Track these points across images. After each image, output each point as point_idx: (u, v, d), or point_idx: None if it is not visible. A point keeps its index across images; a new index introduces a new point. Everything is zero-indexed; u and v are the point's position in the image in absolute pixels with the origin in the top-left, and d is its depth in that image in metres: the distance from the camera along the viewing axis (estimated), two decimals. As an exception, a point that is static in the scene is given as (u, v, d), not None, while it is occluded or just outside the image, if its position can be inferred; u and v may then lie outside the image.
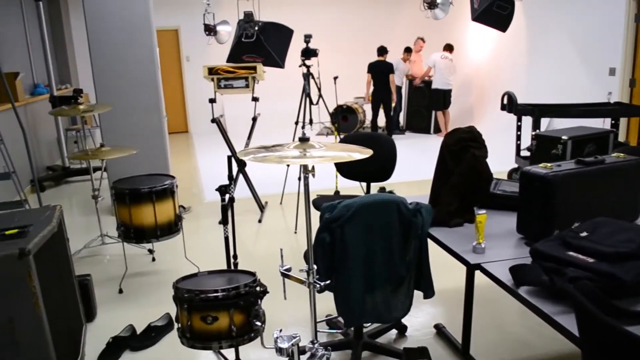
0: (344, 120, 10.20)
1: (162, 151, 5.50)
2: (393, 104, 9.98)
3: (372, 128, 9.73)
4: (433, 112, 10.21)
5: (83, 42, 10.88)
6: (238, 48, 6.98)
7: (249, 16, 6.65)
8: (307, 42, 5.05)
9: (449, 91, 9.90)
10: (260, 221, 5.19)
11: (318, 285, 1.99)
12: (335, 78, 8.87)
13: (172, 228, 3.73)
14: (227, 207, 2.46)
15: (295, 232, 4.84)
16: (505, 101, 6.46)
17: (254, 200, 5.53)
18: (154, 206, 3.57)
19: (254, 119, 5.15)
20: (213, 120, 4.99)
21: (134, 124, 5.37)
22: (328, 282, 2.05)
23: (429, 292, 2.49)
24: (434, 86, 9.88)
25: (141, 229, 3.61)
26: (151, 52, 5.28)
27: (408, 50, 10.40)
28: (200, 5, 11.27)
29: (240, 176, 5.40)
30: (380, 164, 3.82)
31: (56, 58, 9.98)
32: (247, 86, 4.95)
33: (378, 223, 2.33)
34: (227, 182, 2.54)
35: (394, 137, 9.01)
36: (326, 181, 6.55)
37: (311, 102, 5.07)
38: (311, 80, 5.11)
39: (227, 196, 2.46)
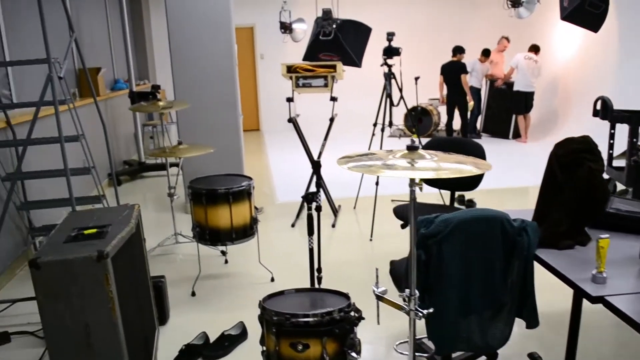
0: (418, 122, 9.90)
1: (237, 150, 5.42)
2: (470, 106, 9.58)
3: (447, 132, 9.37)
4: (513, 116, 9.73)
5: (159, 38, 11.09)
6: (315, 46, 6.85)
7: (327, 14, 6.49)
8: (389, 40, 4.82)
9: (531, 94, 9.39)
10: (333, 226, 5.01)
11: (420, 314, 1.77)
12: (417, 78, 8.58)
13: (247, 231, 3.61)
14: (313, 217, 2.29)
15: (371, 240, 4.62)
16: (598, 106, 5.99)
17: (328, 203, 5.37)
18: (230, 208, 3.46)
19: (332, 120, 4.98)
20: (290, 120, 4.86)
21: (210, 122, 5.32)
22: (431, 310, 1.83)
23: (532, 322, 2.22)
24: (515, 88, 9.40)
25: (216, 231, 3.51)
26: (230, 49, 5.20)
27: (486, 53, 9.94)
28: (276, 3, 11.25)
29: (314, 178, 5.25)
30: (469, 172, 3.54)
31: (136, 54, 10.20)
32: (325, 85, 4.78)
33: (479, 241, 2.09)
34: (313, 190, 2.37)
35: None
36: (400, 186, 6.30)
37: (392, 104, 4.84)
38: (392, 81, 4.88)
39: (313, 204, 2.29)
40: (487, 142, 9.52)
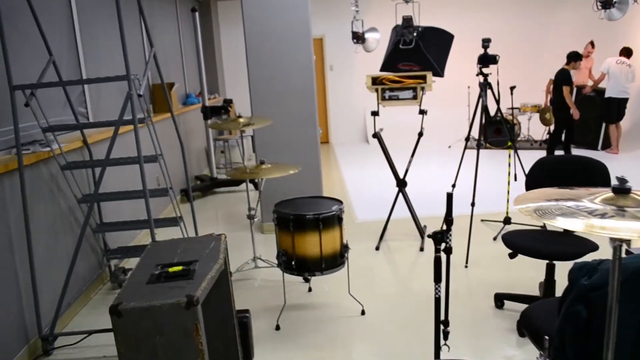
0: (496, 133, 9.31)
1: (315, 166, 5.12)
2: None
3: (548, 149, 8.43)
4: (603, 125, 8.99)
5: (228, 52, 11.02)
6: (394, 55, 6.47)
7: (408, 21, 6.11)
8: (485, 47, 4.40)
9: (625, 100, 8.64)
10: (422, 249, 4.60)
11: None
12: (513, 88, 7.97)
13: (337, 260, 3.27)
14: (441, 260, 1.91)
15: (466, 267, 4.18)
16: None
17: (414, 222, 4.96)
18: (320, 235, 3.13)
19: (420, 134, 4.58)
20: (374, 135, 4.50)
21: (288, 137, 5.04)
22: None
23: None
24: (607, 94, 8.67)
25: (304, 260, 3.18)
26: (309, 62, 4.92)
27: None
28: (346, 13, 10.96)
29: (400, 196, 4.86)
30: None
31: (206, 68, 10.14)
32: (414, 97, 4.40)
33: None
34: (441, 228, 1.99)
35: (557, 153, 7.96)
36: (494, 203, 5.81)
37: (488, 115, 4.39)
38: (488, 91, 4.44)
39: (442, 245, 1.90)
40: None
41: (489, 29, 10.92)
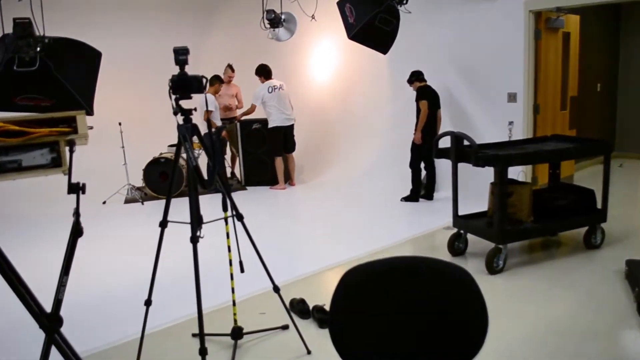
0: (163, 177, 7.44)
1: None
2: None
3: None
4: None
5: None
6: (4, 84, 4.04)
7: (24, 27, 3.76)
8: (181, 62, 2.51)
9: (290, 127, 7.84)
10: None
11: None
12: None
13: None
14: None
15: None
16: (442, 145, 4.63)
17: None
18: None
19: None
20: None
21: None
22: None
23: None
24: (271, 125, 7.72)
25: None
26: None
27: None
28: None
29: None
30: None
31: None
32: (54, 162, 2.21)
33: None
34: None
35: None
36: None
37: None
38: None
39: None
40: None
41: (136, 50, 8.99)
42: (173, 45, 2.53)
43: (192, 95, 2.50)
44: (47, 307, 1.94)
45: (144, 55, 8.91)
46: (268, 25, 6.89)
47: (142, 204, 7.20)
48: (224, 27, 9.85)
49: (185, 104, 2.52)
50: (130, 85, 8.79)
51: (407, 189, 6.63)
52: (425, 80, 6.43)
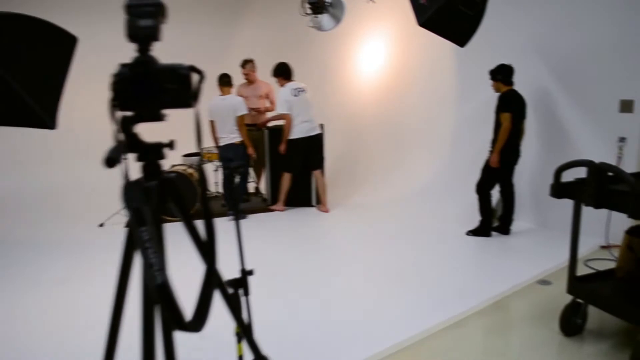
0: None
1: None
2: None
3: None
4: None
5: None
6: None
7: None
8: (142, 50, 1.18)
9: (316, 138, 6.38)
10: None
11: None
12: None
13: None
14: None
15: None
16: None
17: None
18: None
19: None
20: None
21: None
22: None
23: None
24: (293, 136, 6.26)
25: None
26: None
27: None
28: None
29: None
30: None
31: None
32: None
33: None
34: None
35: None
36: None
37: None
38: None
39: None
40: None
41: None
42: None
43: (165, 112, 1.16)
44: None
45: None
46: (309, 11, 5.51)
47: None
48: (259, 14, 8.51)
49: (148, 130, 1.19)
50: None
51: (471, 218, 5.19)
52: (512, 83, 4.94)
